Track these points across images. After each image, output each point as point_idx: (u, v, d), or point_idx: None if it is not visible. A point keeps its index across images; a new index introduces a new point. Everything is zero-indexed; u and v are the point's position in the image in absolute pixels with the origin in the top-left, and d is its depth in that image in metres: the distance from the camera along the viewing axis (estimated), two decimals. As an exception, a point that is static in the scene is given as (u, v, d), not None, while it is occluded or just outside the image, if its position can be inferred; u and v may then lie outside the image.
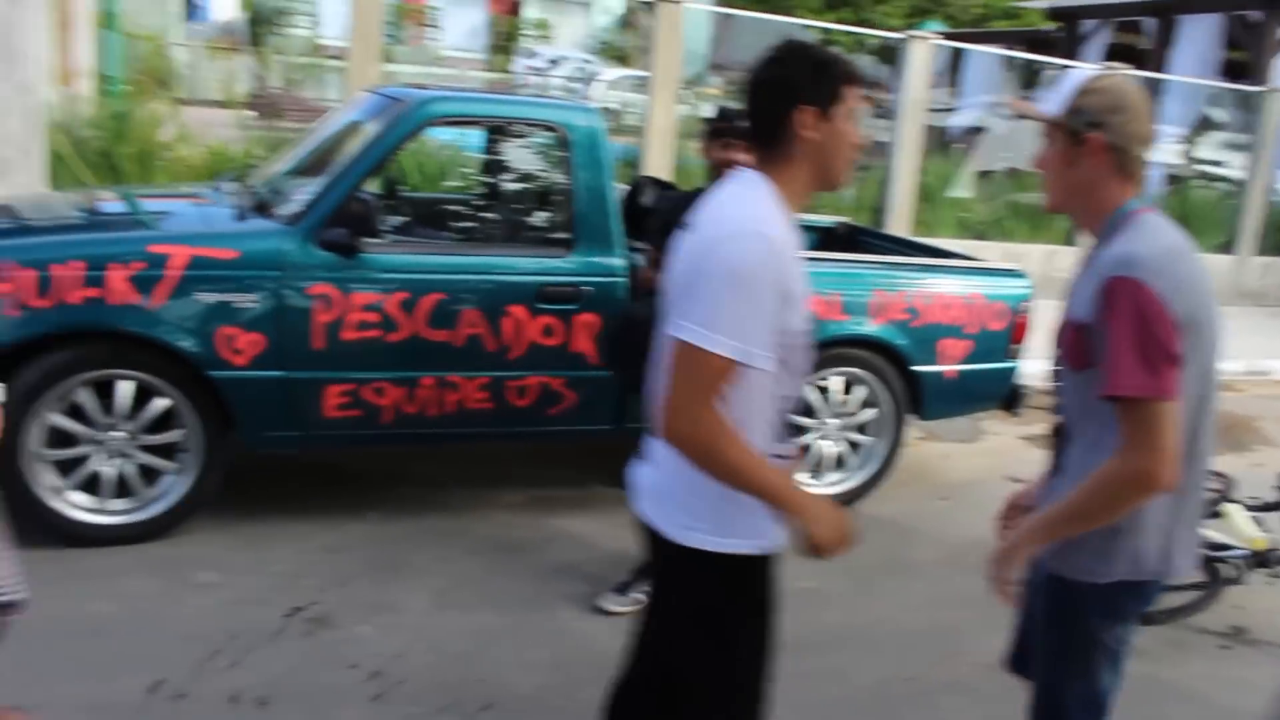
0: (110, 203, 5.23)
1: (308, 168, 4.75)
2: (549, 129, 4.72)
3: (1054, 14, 19.24)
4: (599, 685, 3.51)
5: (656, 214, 4.18)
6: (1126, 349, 1.94)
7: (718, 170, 3.91)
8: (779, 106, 2.04)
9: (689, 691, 2.25)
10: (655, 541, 2.19)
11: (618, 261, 4.54)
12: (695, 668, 2.22)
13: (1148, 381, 1.94)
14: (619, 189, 4.87)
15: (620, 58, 25.30)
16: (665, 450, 2.07)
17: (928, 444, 6.36)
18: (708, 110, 18.93)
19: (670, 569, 2.20)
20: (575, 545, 4.58)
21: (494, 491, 5.03)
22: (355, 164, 4.32)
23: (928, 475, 5.80)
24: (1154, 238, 2.06)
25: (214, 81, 13.92)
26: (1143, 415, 1.95)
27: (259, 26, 22.64)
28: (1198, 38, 14.94)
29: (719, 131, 3.91)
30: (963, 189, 11.34)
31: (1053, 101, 2.15)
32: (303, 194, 4.35)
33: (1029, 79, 17.82)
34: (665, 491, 2.16)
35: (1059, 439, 2.25)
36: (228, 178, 5.29)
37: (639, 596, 3.94)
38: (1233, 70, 14.42)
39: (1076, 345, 2.09)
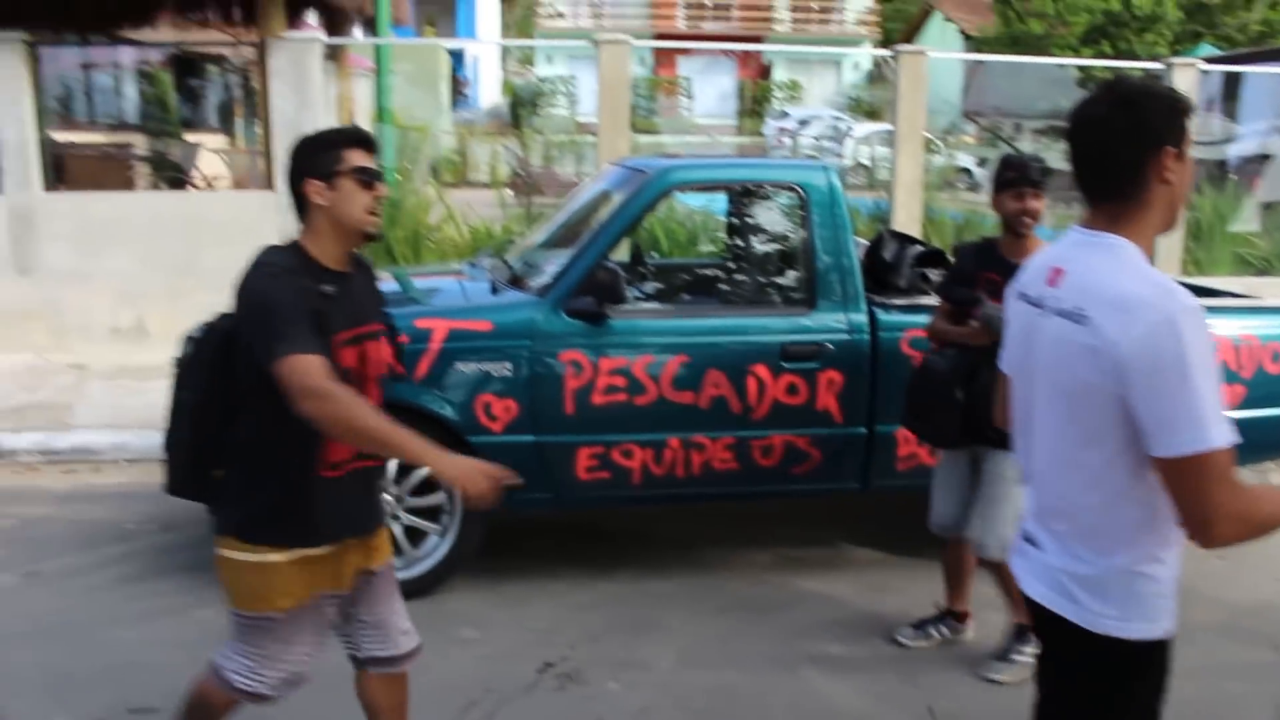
0: (384, 282, 5.64)
1: (558, 240, 4.98)
2: (787, 189, 4.76)
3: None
4: (841, 748, 3.46)
5: (953, 267, 4.20)
6: None
7: (1011, 223, 3.86)
8: (1138, 152, 1.91)
9: None
10: (1054, 626, 2.08)
11: (858, 317, 4.50)
12: None
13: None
14: (860, 244, 4.84)
15: (871, 113, 25.17)
16: (1072, 536, 2.01)
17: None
18: (964, 160, 18.47)
19: (1074, 654, 2.08)
20: (823, 605, 4.52)
21: (742, 551, 5.04)
22: (600, 234, 4.51)
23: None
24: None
25: (479, 164, 14.84)
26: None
27: (521, 109, 24.02)
28: None
29: (1011, 181, 3.83)
30: (1245, 222, 10.53)
31: None
32: (552, 265, 4.56)
33: (1319, 99, 16.43)
34: (1076, 578, 2.02)
35: None
36: (486, 254, 5.61)
37: (1021, 659, 3.91)
38: None
39: None
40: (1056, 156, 18.87)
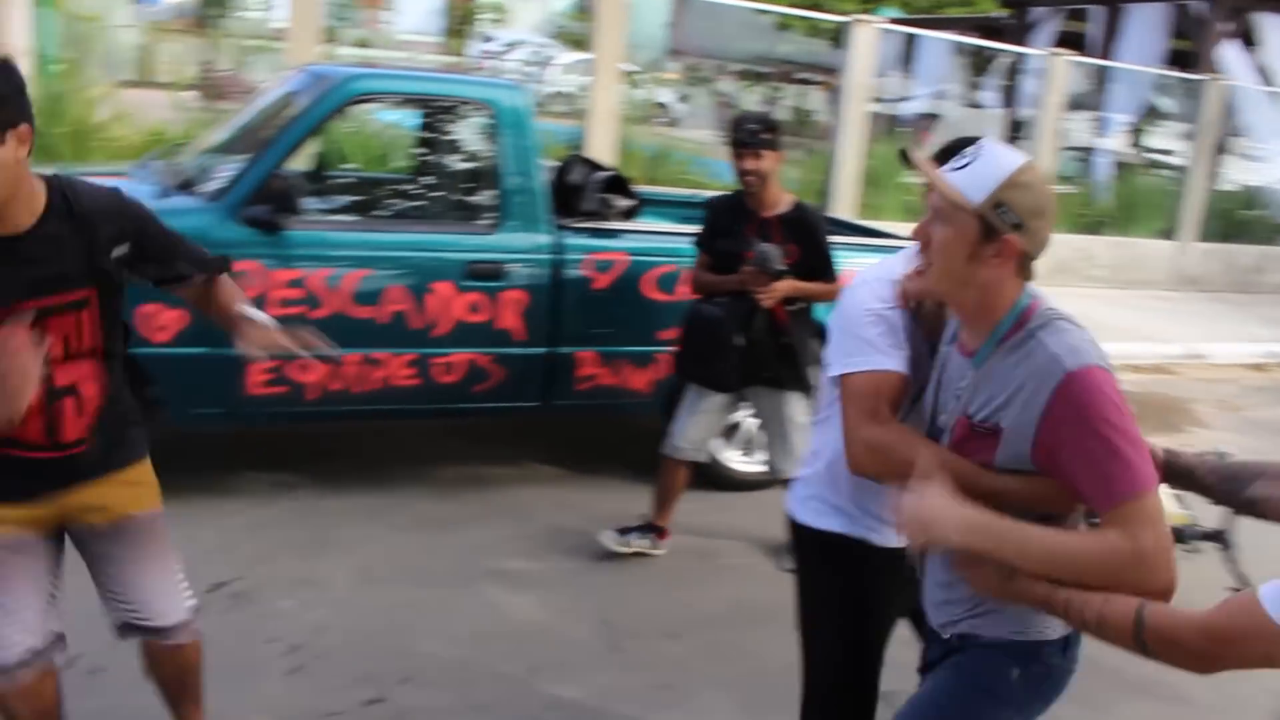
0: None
1: (234, 146, 4.73)
2: (476, 106, 4.72)
3: (1006, 1, 19.39)
4: (519, 658, 3.58)
5: (705, 221, 4.36)
6: (1123, 445, 1.72)
7: (740, 179, 4.08)
8: None
9: None
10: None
11: (542, 239, 4.56)
12: None
13: (1143, 474, 1.73)
14: (548, 167, 4.88)
15: (577, 42, 25.22)
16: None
17: None
18: (663, 96, 18.86)
19: None
20: (506, 522, 4.61)
21: (427, 469, 5.04)
22: (278, 140, 4.32)
23: None
24: (1074, 325, 1.86)
25: (161, 64, 13.77)
26: (1150, 510, 1.73)
27: (211, 8, 22.38)
28: (1144, 27, 15.10)
29: (732, 142, 4.05)
30: (912, 175, 11.43)
31: (971, 183, 1.83)
32: (227, 171, 4.33)
33: (981, 66, 17.97)
34: None
35: None
36: (155, 156, 5.25)
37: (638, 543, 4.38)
38: (1178, 60, 14.59)
39: (984, 448, 1.89)
40: (753, 99, 19.72)
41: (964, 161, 1.86)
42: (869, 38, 9.81)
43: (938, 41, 16.52)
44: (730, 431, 5.06)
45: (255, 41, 12.93)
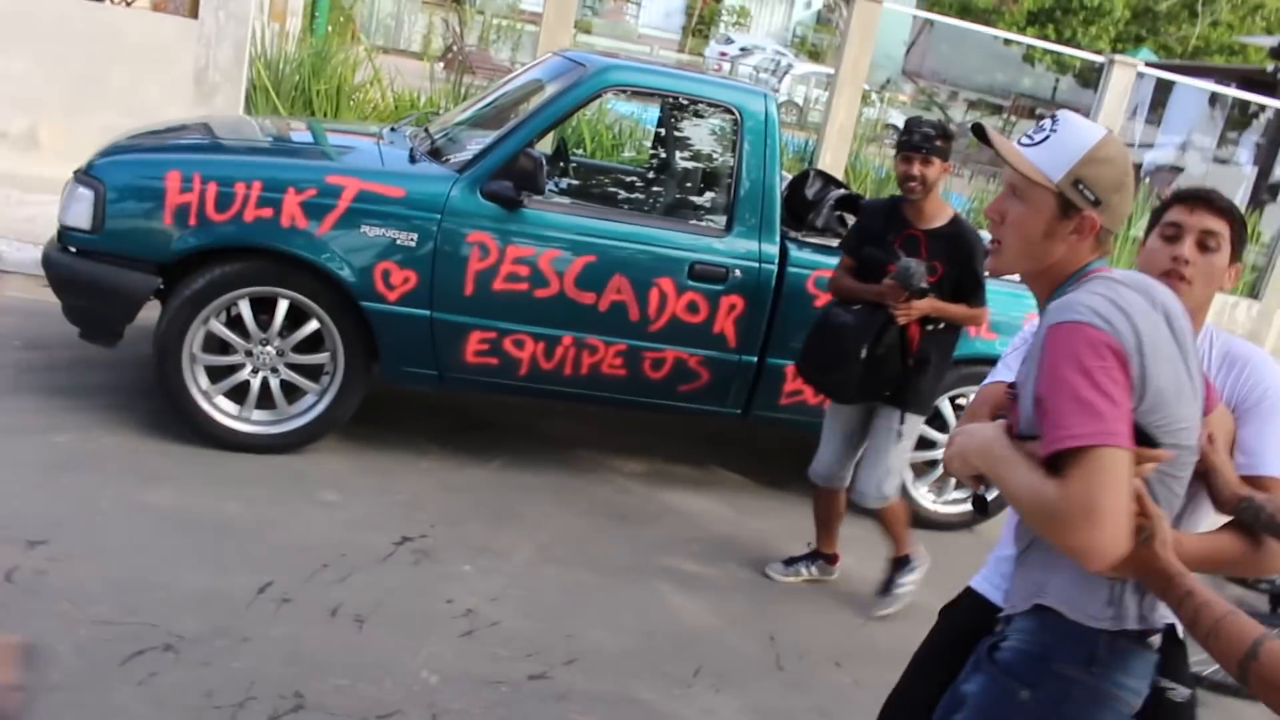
0: (298, 132, 5.47)
1: (485, 121, 4.87)
2: (723, 109, 4.71)
3: (1277, 52, 18.15)
4: (682, 660, 3.57)
5: (858, 224, 4.20)
6: (1086, 393, 1.62)
7: (900, 184, 3.92)
8: None
9: None
10: None
11: (770, 248, 4.51)
12: None
13: (1089, 426, 1.60)
14: (785, 178, 4.84)
15: (814, 54, 25.08)
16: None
17: None
18: (894, 116, 18.64)
19: None
20: (685, 522, 4.60)
21: (615, 459, 5.08)
22: (529, 121, 4.41)
23: None
24: (1108, 288, 1.74)
25: (415, 34, 14.39)
26: (1088, 467, 1.59)
27: (466, -15, 23.29)
28: None
29: (901, 144, 3.89)
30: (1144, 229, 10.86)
31: (1049, 158, 1.80)
32: (475, 144, 4.46)
33: (1239, 121, 16.91)
34: None
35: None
36: (408, 121, 5.47)
37: (903, 589, 4.20)
38: None
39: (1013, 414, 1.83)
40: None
41: (1042, 135, 1.83)
42: (1125, 78, 9.36)
43: (1193, 90, 15.64)
44: (926, 468, 4.92)
45: (505, 21, 13.36)
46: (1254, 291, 10.20)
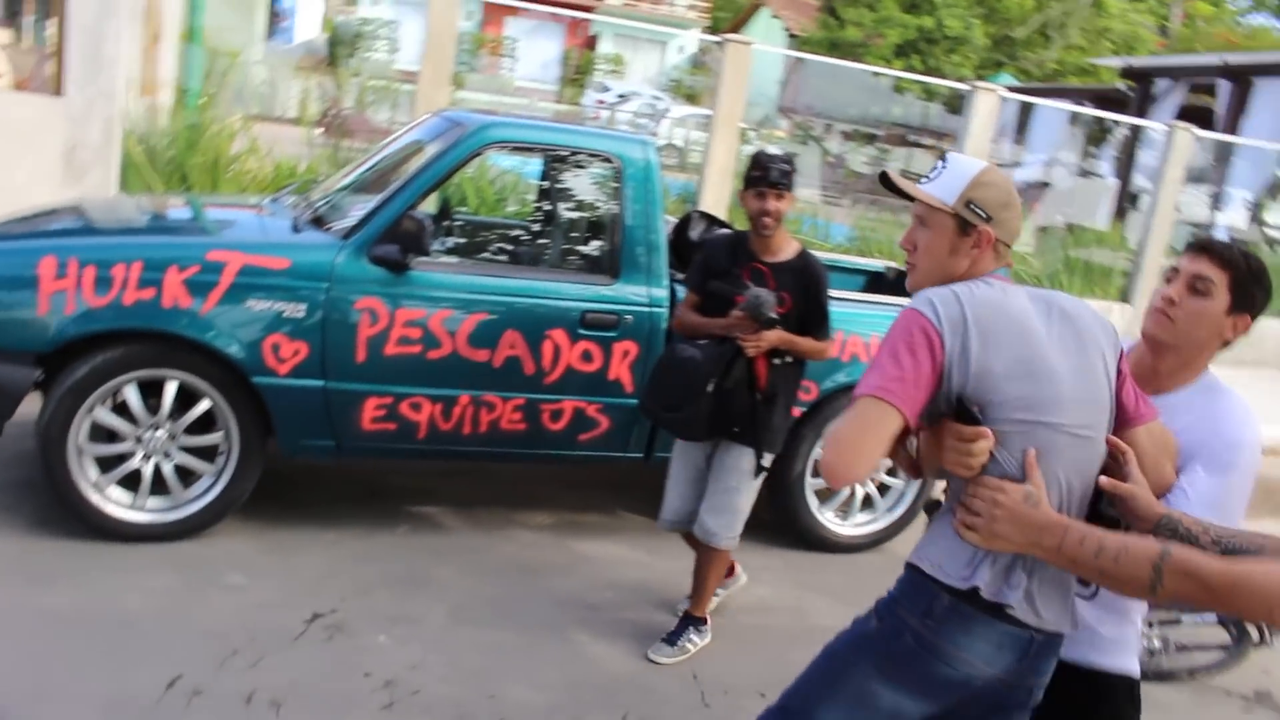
0: (175, 209, 5.39)
1: (366, 185, 4.86)
2: (603, 159, 4.78)
3: (1128, 73, 19.11)
4: (609, 708, 3.57)
5: (700, 260, 4.15)
6: (883, 358, 2.01)
7: (752, 221, 3.90)
8: None
9: None
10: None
11: (659, 292, 4.58)
12: None
13: (868, 382, 1.98)
14: (668, 221, 4.92)
15: (690, 96, 25.52)
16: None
17: None
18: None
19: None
20: (596, 570, 4.61)
21: (522, 513, 5.07)
22: (411, 183, 4.41)
23: None
24: (967, 286, 2.08)
25: (290, 99, 14.26)
26: (855, 409, 1.99)
27: (339, 48, 23.17)
28: (1272, 101, 14.74)
29: (753, 180, 3.86)
30: (1022, 244, 11.28)
31: (942, 188, 2.16)
32: (358, 209, 4.45)
33: (1097, 136, 17.69)
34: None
35: None
36: (289, 191, 5.43)
37: (691, 647, 4.03)
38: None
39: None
40: (862, 160, 19.69)
41: (935, 173, 2.20)
42: (989, 104, 9.74)
43: (1054, 111, 16.34)
44: (829, 493, 5.02)
45: (381, 82, 13.32)
46: (1124, 296, 10.66)
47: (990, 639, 2.04)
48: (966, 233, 2.13)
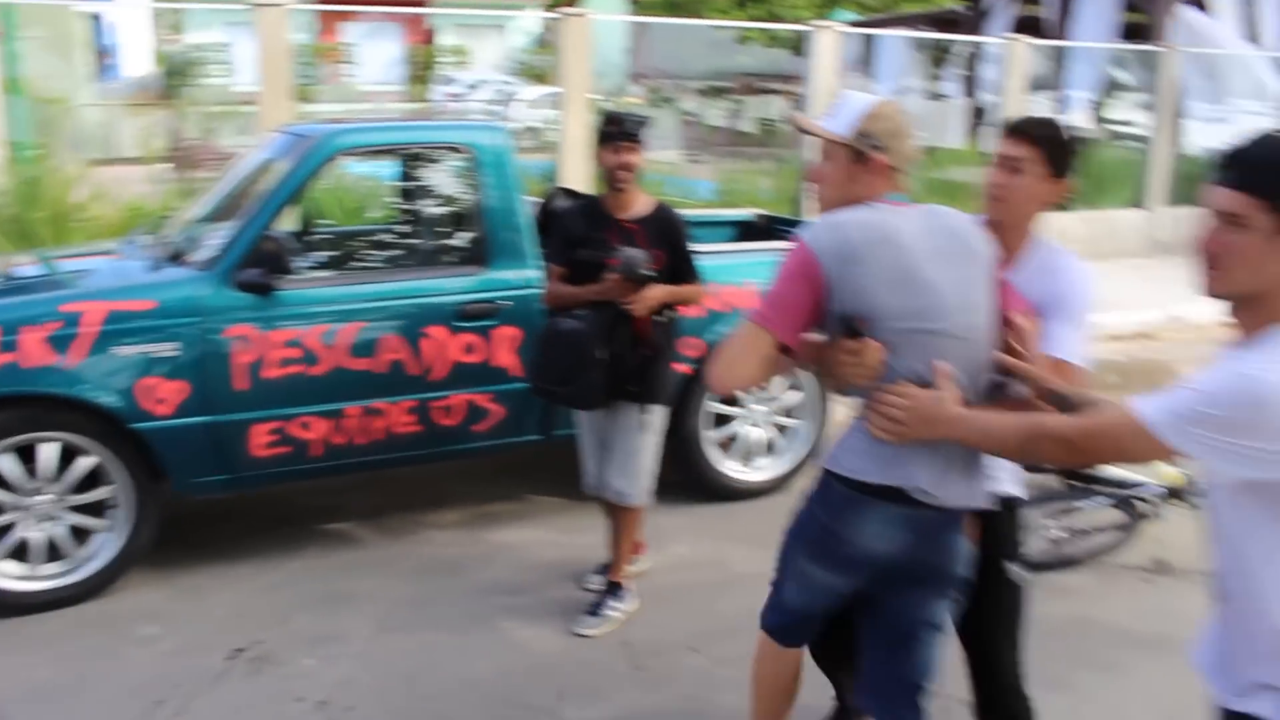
0: (22, 267, 5.20)
1: (220, 212, 4.76)
2: (456, 150, 4.76)
3: (960, -7, 19.57)
4: (545, 688, 3.60)
5: (557, 230, 4.16)
6: (771, 288, 2.31)
7: (609, 176, 3.93)
8: None
9: None
10: None
11: (532, 274, 4.60)
12: None
13: (753, 308, 2.30)
14: (532, 202, 4.93)
15: (539, 76, 25.36)
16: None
17: None
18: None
19: None
20: (514, 556, 4.63)
21: (431, 513, 5.05)
22: (265, 203, 4.35)
23: None
24: (852, 214, 2.32)
25: (130, 138, 13.80)
26: (737, 330, 2.32)
27: (174, 79, 22.47)
28: (1097, 4, 15.27)
29: (609, 136, 3.89)
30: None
31: (839, 123, 2.40)
32: (216, 239, 4.37)
33: (940, 59, 18.12)
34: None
35: None
36: (142, 231, 5.28)
37: (613, 615, 4.06)
38: (1132, 32, 14.74)
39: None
40: (718, 114, 19.84)
41: (832, 110, 2.44)
42: (830, 42, 9.91)
43: (896, 39, 16.70)
44: (729, 443, 5.11)
45: (222, 108, 12.97)
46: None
47: (882, 517, 2.34)
48: (862, 161, 2.37)
